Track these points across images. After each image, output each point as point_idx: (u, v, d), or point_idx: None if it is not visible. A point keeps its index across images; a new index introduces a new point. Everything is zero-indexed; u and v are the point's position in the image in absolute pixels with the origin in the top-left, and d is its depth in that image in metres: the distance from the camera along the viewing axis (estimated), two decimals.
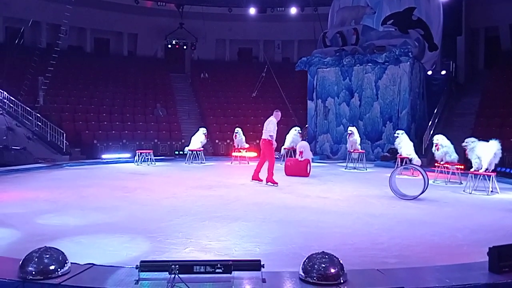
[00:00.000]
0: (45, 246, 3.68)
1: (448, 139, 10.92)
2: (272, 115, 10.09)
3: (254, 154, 15.34)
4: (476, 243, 5.20)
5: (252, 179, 10.00)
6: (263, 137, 9.84)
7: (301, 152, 11.86)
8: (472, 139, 9.71)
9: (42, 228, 5.73)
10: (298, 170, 11.58)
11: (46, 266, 3.47)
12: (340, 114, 17.73)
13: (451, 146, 10.70)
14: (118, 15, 25.48)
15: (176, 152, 18.10)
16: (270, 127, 9.70)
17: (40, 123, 17.60)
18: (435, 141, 10.90)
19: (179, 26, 26.04)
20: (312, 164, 12.22)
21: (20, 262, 3.51)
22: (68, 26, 22.13)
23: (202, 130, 15.13)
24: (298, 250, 4.72)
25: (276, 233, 5.59)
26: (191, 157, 14.85)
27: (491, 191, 9.04)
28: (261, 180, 9.83)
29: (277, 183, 9.50)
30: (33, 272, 3.41)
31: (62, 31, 21.36)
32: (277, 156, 16.74)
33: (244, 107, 23.46)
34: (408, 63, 16.28)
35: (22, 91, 18.83)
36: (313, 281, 3.45)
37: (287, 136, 14.70)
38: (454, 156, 10.63)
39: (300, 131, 14.69)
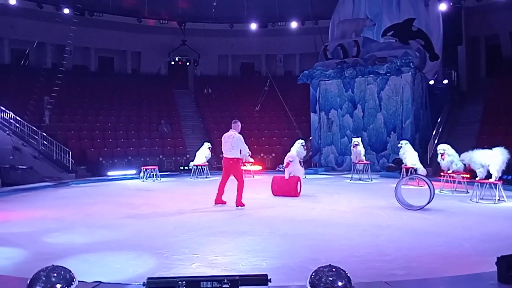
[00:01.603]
0: (53, 265, 3.67)
1: (453, 148, 10.90)
2: (232, 128, 8.90)
3: (259, 167, 15.34)
4: (484, 252, 5.15)
5: (216, 203, 8.79)
6: (228, 155, 8.61)
7: (288, 164, 10.39)
8: (465, 154, 9.74)
9: (49, 246, 5.75)
10: (286, 189, 10.10)
11: (54, 284, 3.45)
12: (343, 126, 17.75)
13: (457, 155, 10.66)
14: (122, 34, 25.83)
15: (181, 168, 18.14)
16: (240, 144, 8.66)
17: (46, 142, 17.76)
18: (441, 151, 10.87)
19: (182, 43, 26.35)
20: (318, 176, 12.04)
21: (28, 282, 3.51)
22: (73, 46, 22.49)
23: (207, 145, 15.18)
24: (305, 264, 4.70)
25: (283, 247, 5.58)
26: (196, 172, 14.88)
27: (498, 200, 8.97)
28: (225, 203, 8.76)
29: (244, 205, 8.56)
30: None
31: (67, 51, 21.71)
32: (281, 169, 16.85)
33: (248, 121, 23.51)
34: (410, 73, 16.34)
35: (28, 111, 19.04)
36: None
37: (292, 149, 14.69)
38: (460, 165, 10.58)
39: (304, 144, 14.69)
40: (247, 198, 9.84)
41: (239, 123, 9.06)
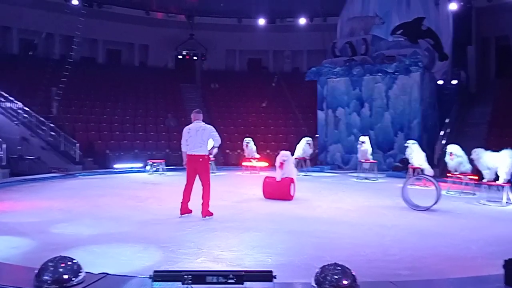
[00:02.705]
0: (60, 256, 3.73)
1: (461, 149, 10.83)
2: (196, 119, 7.24)
3: (265, 164, 15.35)
4: (491, 255, 5.13)
5: (181, 213, 7.18)
6: (197, 152, 6.97)
7: (282, 164, 9.34)
8: (477, 150, 9.65)
9: (57, 237, 5.80)
10: (278, 192, 9.12)
11: (61, 275, 3.51)
12: (350, 124, 17.68)
13: (465, 157, 10.60)
14: (130, 26, 25.85)
15: None
16: (214, 137, 7.14)
17: (53, 133, 17.86)
18: (449, 150, 10.80)
19: (190, 37, 26.34)
20: (323, 174, 11.84)
21: (36, 271, 3.56)
22: (81, 38, 22.52)
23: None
24: (310, 261, 4.71)
25: (288, 244, 5.59)
26: None
27: (506, 202, 8.91)
28: (191, 211, 7.18)
29: (212, 214, 7.09)
30: (49, 281, 3.45)
31: (75, 42, 21.76)
32: None
33: (254, 117, 23.54)
34: (419, 73, 16.23)
35: (36, 101, 19.14)
36: None
37: (298, 146, 14.69)
38: (468, 167, 10.53)
39: (310, 142, 14.67)
40: (255, 194, 9.83)
41: (201, 114, 7.38)
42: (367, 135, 14.82)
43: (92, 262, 4.34)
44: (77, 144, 17.26)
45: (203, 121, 7.37)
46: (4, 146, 16.89)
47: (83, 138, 18.70)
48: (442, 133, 16.92)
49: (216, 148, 7.31)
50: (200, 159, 7.00)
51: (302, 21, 25.12)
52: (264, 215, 7.49)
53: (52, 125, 17.95)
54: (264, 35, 26.42)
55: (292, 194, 9.23)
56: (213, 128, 7.15)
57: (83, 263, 3.74)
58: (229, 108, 24.58)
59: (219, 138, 7.21)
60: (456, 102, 18.94)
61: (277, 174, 9.28)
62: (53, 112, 19.17)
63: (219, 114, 23.96)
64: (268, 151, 19.81)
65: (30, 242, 5.53)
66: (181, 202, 7.14)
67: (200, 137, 6.98)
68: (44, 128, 18.04)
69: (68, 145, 17.53)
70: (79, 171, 15.41)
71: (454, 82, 19.50)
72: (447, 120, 17.58)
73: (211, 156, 7.29)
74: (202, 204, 7.02)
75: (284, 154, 9.58)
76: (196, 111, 7.37)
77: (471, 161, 10.37)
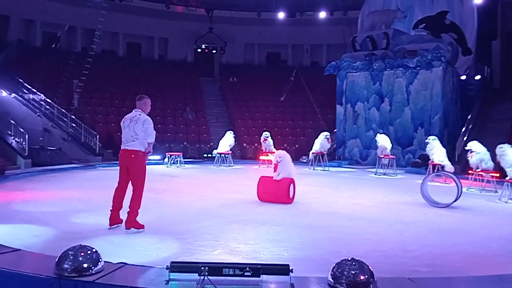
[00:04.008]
0: (80, 245, 3.80)
1: (483, 145, 10.59)
2: (137, 107, 5.97)
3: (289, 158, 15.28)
4: None
5: (110, 224, 5.78)
6: (129, 147, 5.75)
7: (276, 165, 8.22)
8: (503, 145, 9.42)
9: (77, 226, 5.90)
10: (276, 194, 7.99)
11: (81, 264, 3.58)
12: (369, 119, 17.47)
13: (487, 153, 10.35)
14: (150, 20, 26.06)
15: (205, 155, 18.27)
16: (148, 130, 5.78)
17: (74, 125, 18.19)
18: (468, 148, 10.59)
19: (209, 30, 26.41)
20: (341, 169, 11.39)
21: (56, 260, 3.63)
22: (102, 31, 22.82)
23: (230, 134, 15.23)
24: (327, 256, 4.68)
25: (304, 238, 5.57)
26: (220, 160, 14.96)
27: None
28: (121, 222, 5.80)
29: (143, 226, 5.72)
30: (69, 270, 3.52)
31: (96, 35, 22.05)
32: (305, 161, 16.79)
33: (272, 111, 23.50)
34: (441, 67, 15.89)
35: (58, 93, 19.52)
36: (342, 287, 3.41)
37: (316, 141, 14.60)
38: (490, 164, 10.28)
39: (328, 136, 14.55)
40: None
41: (147, 99, 6.07)
42: (384, 133, 14.63)
43: (110, 252, 4.40)
44: (97, 136, 17.54)
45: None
46: (26, 136, 17.31)
47: (103, 130, 18.99)
48: (464, 129, 16.58)
49: (150, 145, 5.82)
50: (132, 155, 5.71)
51: (322, 14, 24.88)
52: (281, 209, 7.47)
53: (73, 116, 18.28)
54: (283, 29, 26.29)
55: (291, 196, 8.10)
56: (148, 119, 5.79)
57: (102, 253, 3.80)
58: (247, 102, 24.59)
59: (152, 132, 5.80)
60: (479, 98, 18.52)
61: (274, 175, 8.18)
62: (74, 104, 19.52)
63: (237, 108, 24.01)
64: (285, 145, 19.78)
65: (51, 231, 5.64)
66: (111, 210, 5.77)
67: (133, 130, 5.72)
68: (65, 119, 18.39)
69: (88, 137, 17.83)
70: (99, 162, 15.66)
71: (478, 77, 19.05)
72: (469, 116, 17.21)
73: (147, 151, 5.84)
74: (128, 212, 5.67)
75: (278, 154, 8.39)
76: (138, 98, 6.07)
77: (493, 157, 10.15)
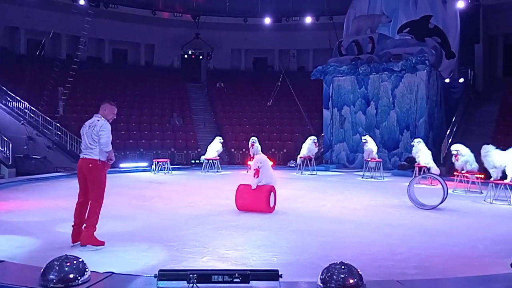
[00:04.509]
0: (66, 255, 3.73)
1: (467, 147, 10.75)
2: (99, 113, 5.43)
3: (270, 163, 15.28)
4: (498, 254, 5.08)
5: (73, 242, 5.28)
6: (84, 155, 5.33)
7: (257, 170, 7.71)
8: (487, 146, 9.57)
9: (62, 236, 5.79)
10: (255, 203, 7.54)
11: (67, 274, 3.52)
12: (356, 123, 17.62)
13: (471, 155, 10.52)
14: (136, 26, 25.96)
15: (193, 161, 18.21)
16: (102, 137, 5.24)
17: (59, 133, 17.97)
18: (454, 152, 10.73)
19: (195, 36, 26.40)
20: (329, 172, 11.47)
21: (42, 270, 3.56)
22: (87, 38, 22.64)
23: (218, 139, 15.20)
24: (316, 260, 4.69)
25: (293, 243, 5.56)
26: (207, 166, 14.92)
27: None
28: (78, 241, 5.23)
29: (103, 243, 5.23)
30: (54, 280, 3.46)
31: (82, 42, 21.87)
32: (292, 165, 16.82)
33: (260, 116, 23.54)
34: (425, 71, 16.13)
35: (43, 101, 19.27)
36: None
37: (303, 145, 14.65)
38: (474, 165, 10.45)
39: (315, 140, 14.62)
40: None
41: (108, 104, 5.52)
42: (370, 135, 14.76)
43: (97, 261, 4.35)
44: None
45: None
46: (10, 145, 17.03)
47: None
48: (448, 131, 16.81)
49: (106, 153, 5.29)
50: (90, 165, 5.26)
51: (308, 20, 25.06)
52: (269, 214, 7.46)
53: (58, 124, 18.05)
54: (270, 34, 26.41)
55: (272, 205, 7.66)
56: (104, 126, 5.28)
57: (88, 262, 3.74)
58: (234, 107, 24.59)
59: (106, 141, 5.25)
60: (463, 100, 18.82)
61: (253, 183, 7.68)
62: (59, 112, 19.29)
63: (225, 113, 23.99)
64: (273, 150, 19.81)
65: (35, 241, 5.55)
66: (72, 226, 5.33)
67: (90, 137, 5.28)
68: (50, 127, 18.17)
69: (74, 144, 17.62)
70: None
71: (461, 80, 19.36)
72: (453, 119, 17.46)
73: (110, 162, 5.41)
74: (84, 228, 5.20)
75: (258, 159, 7.92)
76: (107, 103, 5.58)
77: (478, 159, 10.30)
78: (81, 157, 5.42)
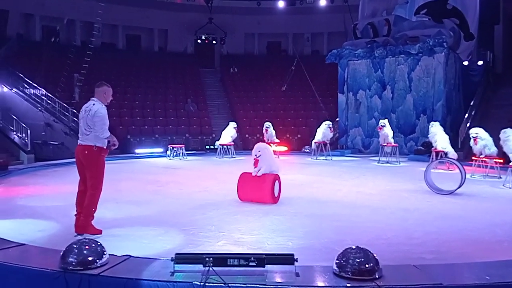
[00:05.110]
0: (84, 238, 3.80)
1: (486, 131, 10.53)
2: (95, 96, 5.32)
3: (284, 148, 15.28)
4: None
5: (77, 231, 5.04)
6: (81, 141, 5.16)
7: (256, 160, 7.12)
8: (507, 130, 9.37)
9: None
10: (258, 193, 6.98)
11: (86, 257, 3.58)
12: (371, 107, 17.40)
13: (490, 139, 10.30)
14: (149, 11, 25.92)
15: (207, 147, 18.28)
16: (98, 124, 5.08)
17: (76, 119, 18.14)
18: (473, 135, 10.51)
19: (208, 21, 26.23)
20: (344, 158, 11.29)
21: (61, 253, 3.63)
22: (101, 24, 22.69)
23: (233, 125, 15.19)
24: (331, 245, 4.68)
25: (308, 227, 5.56)
26: (222, 152, 14.95)
27: None
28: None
29: (100, 231, 5.06)
30: (74, 263, 3.53)
31: (96, 28, 21.93)
32: (307, 150, 16.75)
33: (274, 101, 23.42)
34: (443, 53, 15.76)
35: (59, 87, 19.47)
36: (348, 276, 3.41)
37: (318, 130, 14.56)
38: (493, 149, 10.23)
39: (330, 125, 14.51)
40: None
41: (106, 87, 5.39)
42: (386, 118, 14.57)
43: (115, 245, 4.41)
44: None
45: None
46: (29, 132, 17.32)
47: None
48: (466, 115, 16.49)
49: (105, 141, 5.13)
50: (86, 151, 5.06)
51: (323, 2, 24.64)
52: (284, 199, 7.46)
53: (74, 110, 18.25)
54: (284, 18, 26.09)
55: (276, 195, 7.12)
56: (99, 111, 5.10)
57: (106, 246, 3.80)
58: (248, 92, 24.51)
59: (102, 128, 5.07)
60: (481, 83, 18.39)
61: (254, 171, 7.15)
62: (75, 98, 19.48)
63: (239, 99, 23.93)
64: (287, 135, 19.74)
65: (55, 225, 5.66)
66: (75, 215, 5.14)
67: (86, 122, 5.11)
68: (67, 114, 18.38)
69: None
70: None
71: (480, 62, 18.90)
72: (472, 102, 17.11)
73: (113, 147, 5.26)
74: (82, 216, 5.03)
75: (258, 147, 7.24)
76: (97, 84, 5.43)
77: (496, 143, 10.10)
78: (78, 143, 5.20)
